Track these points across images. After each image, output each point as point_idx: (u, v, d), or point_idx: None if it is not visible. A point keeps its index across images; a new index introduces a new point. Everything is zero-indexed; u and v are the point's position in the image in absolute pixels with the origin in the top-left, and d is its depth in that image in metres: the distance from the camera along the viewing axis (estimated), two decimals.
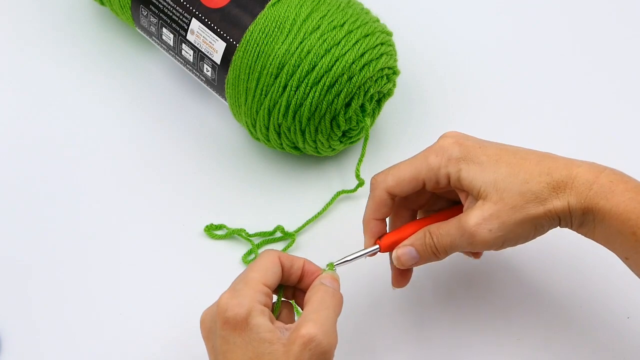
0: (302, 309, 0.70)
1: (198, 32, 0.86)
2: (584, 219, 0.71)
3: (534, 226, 0.71)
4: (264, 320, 0.67)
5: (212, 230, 0.87)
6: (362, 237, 0.77)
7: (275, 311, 0.72)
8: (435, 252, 0.74)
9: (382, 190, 0.75)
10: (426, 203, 0.78)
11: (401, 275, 0.78)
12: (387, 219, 0.78)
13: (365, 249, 0.76)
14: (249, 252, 0.86)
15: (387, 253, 0.77)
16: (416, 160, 0.74)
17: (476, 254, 0.78)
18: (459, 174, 0.72)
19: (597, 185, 0.70)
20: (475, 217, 0.71)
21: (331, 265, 0.74)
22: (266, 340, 0.66)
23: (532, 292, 0.84)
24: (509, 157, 0.72)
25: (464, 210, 0.73)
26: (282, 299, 0.73)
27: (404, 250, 0.74)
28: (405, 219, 0.78)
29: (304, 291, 0.72)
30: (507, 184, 0.71)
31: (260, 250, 0.86)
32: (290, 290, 0.74)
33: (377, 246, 0.76)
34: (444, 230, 0.73)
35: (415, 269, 0.79)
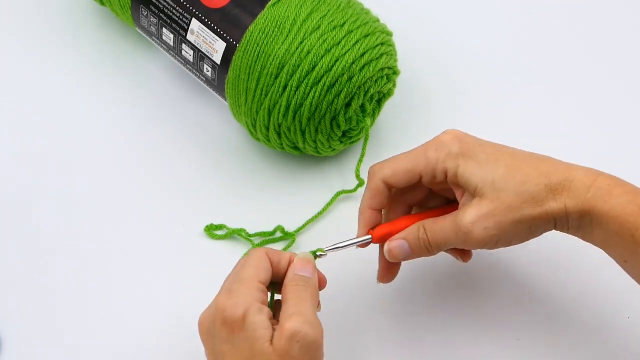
0: None
1: (198, 32, 0.86)
2: (581, 221, 0.71)
3: (529, 227, 0.71)
4: (261, 317, 0.67)
5: (212, 230, 0.87)
6: None
7: (271, 304, 0.72)
8: (427, 247, 0.73)
9: (379, 180, 0.75)
10: (422, 200, 0.77)
11: (388, 270, 0.77)
12: (383, 213, 0.77)
13: (357, 237, 0.76)
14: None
15: (377, 246, 0.76)
16: (415, 153, 0.74)
17: (464, 257, 0.78)
18: (457, 169, 0.72)
19: (594, 187, 0.70)
20: (471, 215, 0.71)
21: (319, 250, 0.74)
22: (260, 338, 0.66)
23: (531, 292, 0.84)
24: (508, 158, 0.72)
25: (459, 207, 0.73)
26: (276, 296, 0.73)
27: (396, 243, 0.74)
28: (400, 213, 0.78)
29: None
30: (504, 184, 0.71)
31: None
32: (279, 285, 0.73)
33: (369, 236, 0.75)
34: (438, 226, 0.73)
35: (411, 268, 0.79)
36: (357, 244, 0.75)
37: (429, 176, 0.74)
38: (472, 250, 0.78)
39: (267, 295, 0.70)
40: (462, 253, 0.77)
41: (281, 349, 0.66)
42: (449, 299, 0.84)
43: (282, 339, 0.66)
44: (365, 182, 0.77)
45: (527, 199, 0.70)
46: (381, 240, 0.75)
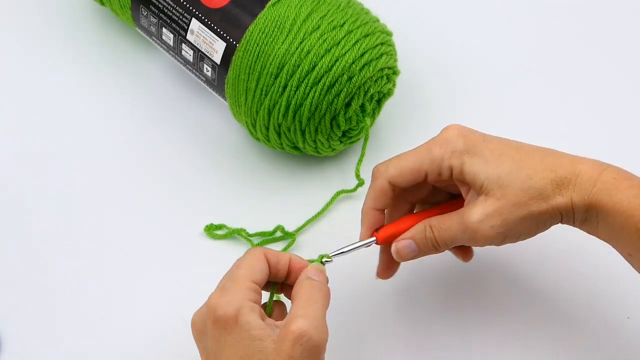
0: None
1: (198, 32, 0.86)
2: (587, 215, 0.70)
3: (537, 223, 0.71)
4: (254, 317, 0.67)
5: (212, 230, 0.87)
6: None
7: (268, 309, 0.72)
8: (435, 246, 0.73)
9: (384, 180, 0.75)
10: (425, 196, 0.77)
11: (389, 266, 0.77)
12: (385, 212, 0.77)
13: (361, 241, 0.75)
14: None
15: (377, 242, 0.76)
16: (419, 151, 0.74)
17: (466, 256, 0.77)
18: (462, 167, 0.72)
19: (600, 181, 0.70)
20: (478, 213, 0.71)
21: (325, 256, 0.73)
22: (256, 338, 0.66)
23: (531, 292, 0.84)
24: (513, 152, 0.72)
25: (465, 204, 0.73)
26: (274, 297, 0.73)
27: (404, 243, 0.74)
28: (403, 212, 0.77)
29: (292, 286, 0.72)
30: (510, 180, 0.70)
31: None
32: (279, 286, 0.73)
33: (374, 238, 0.75)
34: (445, 224, 0.72)
35: (413, 267, 0.79)
36: (365, 245, 0.75)
37: (435, 174, 0.73)
38: (475, 250, 0.78)
39: (260, 295, 0.70)
40: (464, 253, 0.77)
41: (284, 350, 0.65)
42: (453, 298, 0.84)
43: (287, 340, 0.66)
44: (367, 183, 0.77)
45: (534, 195, 0.70)
46: (386, 242, 0.75)
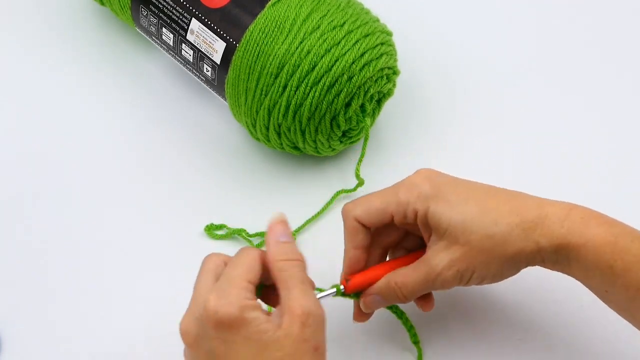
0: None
1: (198, 32, 0.86)
2: (557, 257, 0.71)
3: (502, 267, 0.71)
4: (259, 313, 0.66)
5: (212, 230, 0.87)
6: None
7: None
8: (401, 298, 0.74)
9: (352, 219, 0.75)
10: (397, 241, 0.78)
11: (362, 312, 0.77)
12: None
13: (330, 289, 0.75)
14: None
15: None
16: (386, 193, 0.75)
17: (426, 306, 0.77)
18: (427, 211, 0.72)
19: (568, 221, 0.70)
20: (443, 260, 0.71)
21: (337, 287, 0.75)
22: (267, 330, 0.66)
23: (531, 292, 0.84)
24: (479, 196, 0.72)
25: (427, 250, 0.73)
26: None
27: (370, 298, 0.75)
28: (376, 256, 0.77)
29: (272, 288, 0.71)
30: (474, 225, 0.71)
31: None
32: (265, 289, 0.73)
33: (342, 287, 0.75)
34: (409, 278, 0.73)
35: None
36: (328, 295, 0.75)
37: (400, 216, 0.74)
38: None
39: (255, 295, 0.70)
40: (424, 302, 0.77)
41: (295, 334, 0.65)
42: (448, 298, 0.84)
43: (294, 325, 0.66)
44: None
45: (499, 241, 0.70)
46: (353, 291, 0.75)
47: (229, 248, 0.86)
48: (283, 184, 0.90)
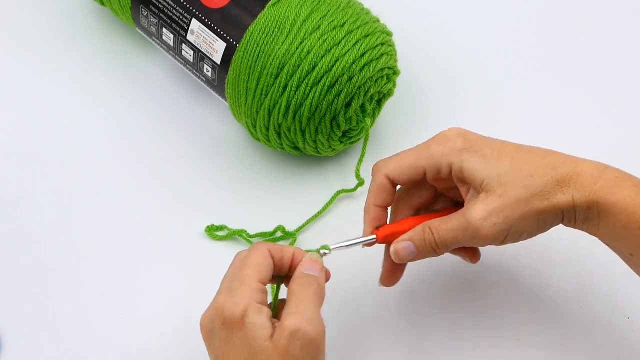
0: None
1: (198, 32, 0.86)
2: (588, 214, 0.70)
3: (537, 220, 0.71)
4: (260, 317, 0.67)
5: (213, 231, 0.87)
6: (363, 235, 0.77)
7: (273, 306, 0.72)
8: (434, 248, 0.73)
9: (382, 175, 0.75)
10: (428, 201, 0.77)
11: (392, 273, 0.77)
12: (389, 214, 0.77)
13: (362, 237, 0.75)
14: None
15: (382, 247, 0.76)
16: (418, 149, 0.74)
17: (473, 257, 0.77)
18: (462, 164, 0.72)
19: (602, 179, 0.70)
20: (479, 211, 0.70)
21: (324, 247, 0.73)
22: (260, 337, 0.66)
23: (531, 292, 0.84)
24: (513, 152, 0.72)
25: (465, 204, 0.72)
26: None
27: (402, 244, 0.73)
28: (406, 216, 0.77)
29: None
30: (511, 177, 0.70)
31: None
32: (283, 279, 0.73)
33: (374, 236, 0.75)
34: (446, 225, 0.72)
35: (415, 268, 0.79)
36: (362, 243, 0.75)
37: (433, 171, 0.73)
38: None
39: (267, 295, 0.70)
40: (471, 254, 0.76)
41: (282, 347, 0.66)
42: (448, 298, 0.84)
43: (283, 338, 0.66)
44: (367, 182, 0.77)
45: (535, 192, 0.70)
46: (386, 241, 0.75)
47: (229, 249, 0.86)
48: (283, 184, 0.90)
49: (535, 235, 0.72)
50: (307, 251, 0.73)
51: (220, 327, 0.67)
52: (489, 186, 0.71)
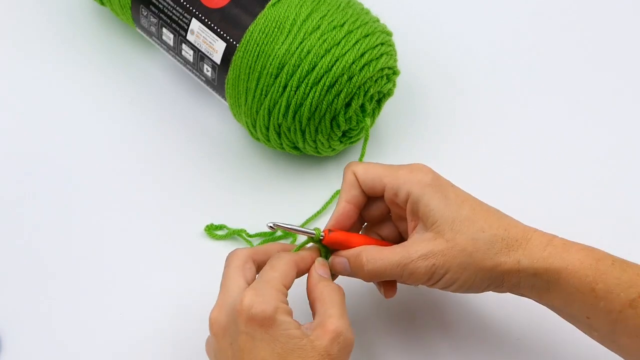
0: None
1: (198, 32, 0.86)
2: (535, 281, 0.71)
3: (475, 275, 0.71)
4: (290, 319, 0.69)
5: (212, 231, 0.87)
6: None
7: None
8: (364, 274, 0.73)
9: (351, 172, 0.76)
10: (376, 220, 0.78)
11: (387, 285, 0.77)
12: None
13: (309, 229, 0.75)
14: None
15: None
16: (390, 166, 0.75)
17: (389, 292, 0.77)
18: (421, 198, 0.72)
19: (550, 246, 0.71)
20: (422, 249, 0.71)
21: (317, 232, 0.75)
22: (295, 336, 0.68)
23: (527, 300, 0.84)
24: (474, 204, 0.73)
25: (409, 237, 0.73)
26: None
27: (339, 259, 0.75)
28: (354, 221, 0.77)
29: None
30: (463, 227, 0.71)
31: None
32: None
33: (314, 232, 0.75)
34: (381, 255, 0.73)
35: None
36: (306, 234, 0.75)
37: (392, 192, 0.74)
38: None
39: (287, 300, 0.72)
40: (388, 288, 0.77)
41: (322, 347, 0.68)
42: (448, 298, 0.84)
43: (325, 339, 0.68)
44: (343, 175, 0.78)
45: (481, 247, 0.71)
46: (331, 244, 0.76)
47: (228, 248, 0.86)
48: (283, 184, 0.90)
49: (465, 290, 0.73)
50: (300, 245, 0.75)
51: (247, 323, 0.68)
52: (439, 228, 0.71)
